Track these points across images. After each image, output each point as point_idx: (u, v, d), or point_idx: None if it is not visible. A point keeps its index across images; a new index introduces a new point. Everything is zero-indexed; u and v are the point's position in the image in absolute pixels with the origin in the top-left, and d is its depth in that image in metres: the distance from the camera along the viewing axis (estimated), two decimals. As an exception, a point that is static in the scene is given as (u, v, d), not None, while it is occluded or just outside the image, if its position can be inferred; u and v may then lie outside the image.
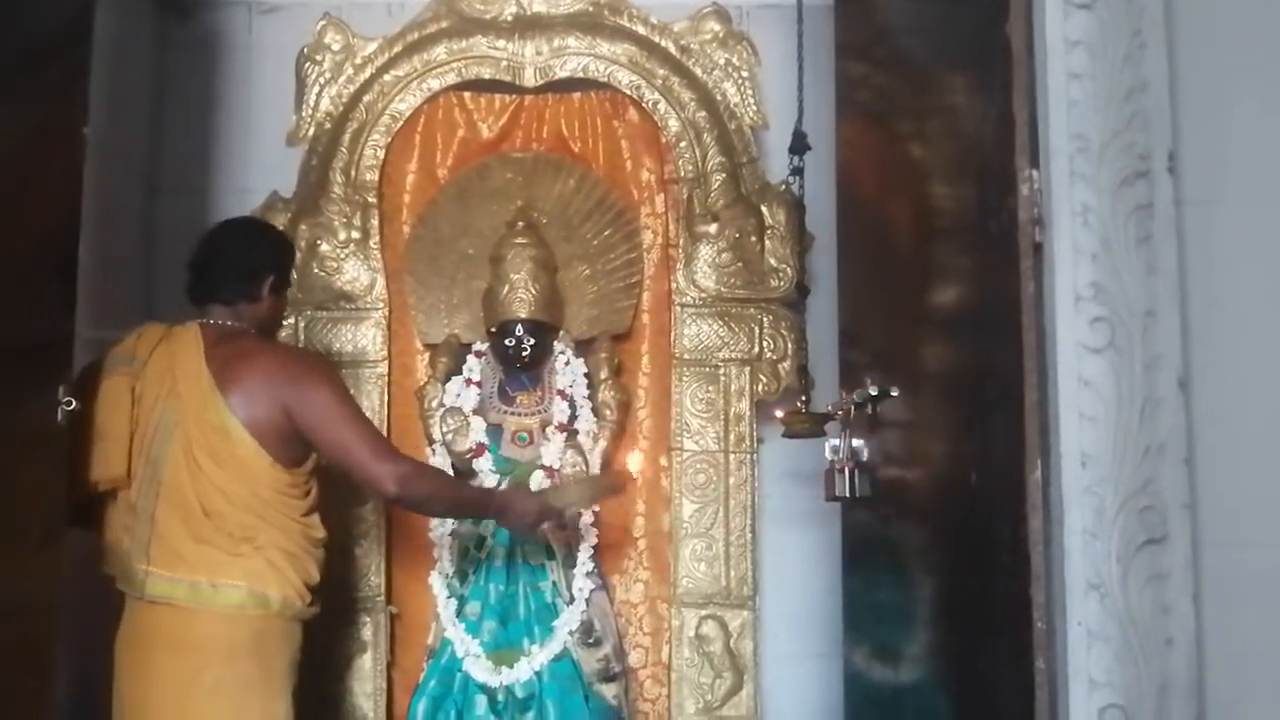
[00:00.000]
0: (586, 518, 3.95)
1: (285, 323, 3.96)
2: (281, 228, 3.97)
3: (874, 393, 3.07)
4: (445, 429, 3.95)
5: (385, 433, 3.99)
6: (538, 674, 3.81)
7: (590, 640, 3.88)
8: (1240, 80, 2.43)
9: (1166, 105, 2.41)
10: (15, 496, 2.86)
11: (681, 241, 4.07)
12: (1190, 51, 2.43)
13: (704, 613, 3.94)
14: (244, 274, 3.34)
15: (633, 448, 4.12)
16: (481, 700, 3.82)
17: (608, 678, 3.88)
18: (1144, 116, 2.41)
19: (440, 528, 3.98)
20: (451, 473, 3.93)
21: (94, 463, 3.15)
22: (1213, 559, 2.33)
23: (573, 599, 3.88)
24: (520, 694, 3.81)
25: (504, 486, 3.81)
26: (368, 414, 3.94)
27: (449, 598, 3.92)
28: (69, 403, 2.97)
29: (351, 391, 3.93)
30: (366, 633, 3.94)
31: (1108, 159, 2.40)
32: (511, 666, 3.81)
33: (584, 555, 3.93)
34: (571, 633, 3.85)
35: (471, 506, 3.68)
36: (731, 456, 4.00)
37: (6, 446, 2.85)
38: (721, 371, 4.02)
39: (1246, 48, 2.43)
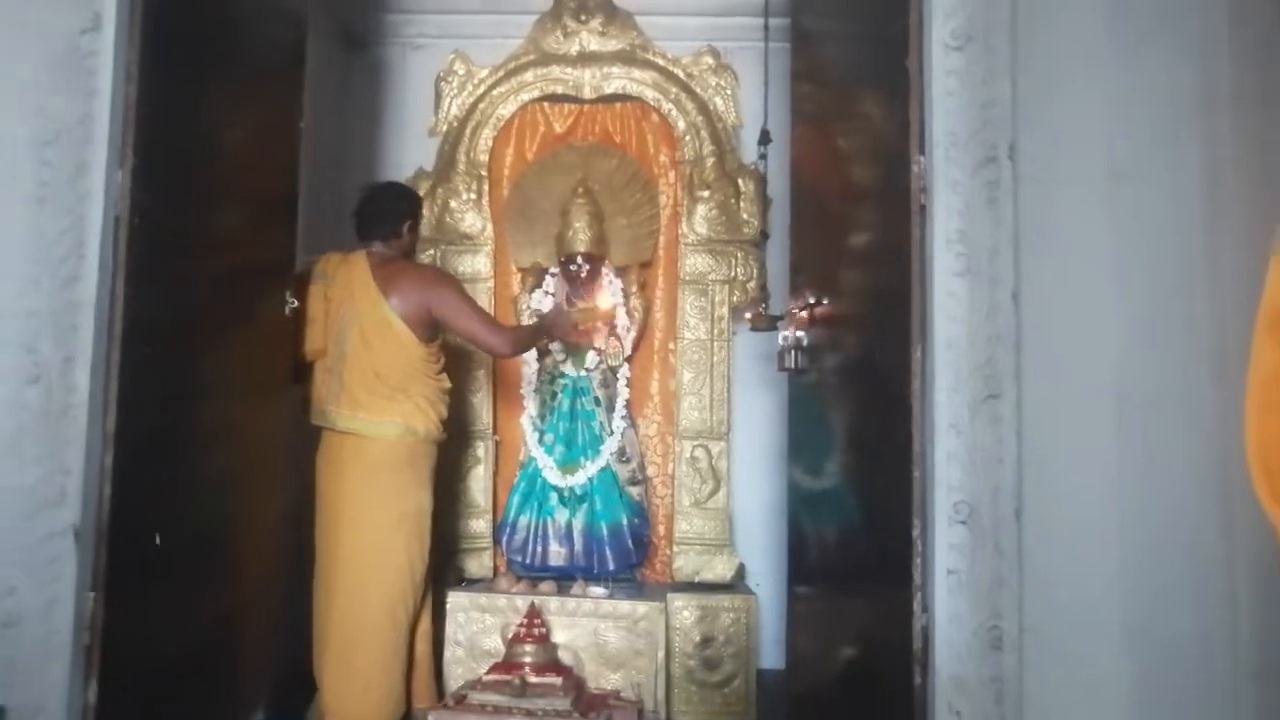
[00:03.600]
0: (621, 382, 3.99)
1: (428, 254, 4.00)
2: (424, 191, 3.99)
3: (811, 302, 3.09)
4: (531, 324, 3.98)
5: (493, 323, 4.04)
6: (590, 479, 3.88)
7: (623, 459, 3.94)
8: (1062, 95, 2.38)
9: (1009, 114, 2.36)
10: (259, 364, 2.93)
11: (685, 202, 4.05)
12: (1027, 75, 2.38)
13: (695, 443, 3.96)
14: (392, 219, 3.33)
15: (652, 337, 4.14)
16: (554, 496, 3.91)
17: (634, 483, 3.95)
18: (994, 121, 2.36)
19: (526, 386, 4.02)
20: (537, 351, 3.98)
21: (306, 340, 3.20)
22: (1032, 407, 2.33)
23: (612, 432, 3.94)
24: (579, 492, 3.88)
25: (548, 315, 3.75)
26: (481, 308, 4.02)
27: (533, 430, 3.98)
28: (293, 303, 3.02)
29: (469, 294, 4.01)
30: (480, 452, 3.99)
31: (970, 149, 2.35)
32: (574, 474, 3.89)
33: (619, 404, 3.97)
34: (611, 454, 3.91)
35: (539, 336, 3.58)
36: (715, 343, 4.01)
37: (254, 332, 2.89)
38: (710, 288, 4.01)
39: (1067, 72, 2.40)
